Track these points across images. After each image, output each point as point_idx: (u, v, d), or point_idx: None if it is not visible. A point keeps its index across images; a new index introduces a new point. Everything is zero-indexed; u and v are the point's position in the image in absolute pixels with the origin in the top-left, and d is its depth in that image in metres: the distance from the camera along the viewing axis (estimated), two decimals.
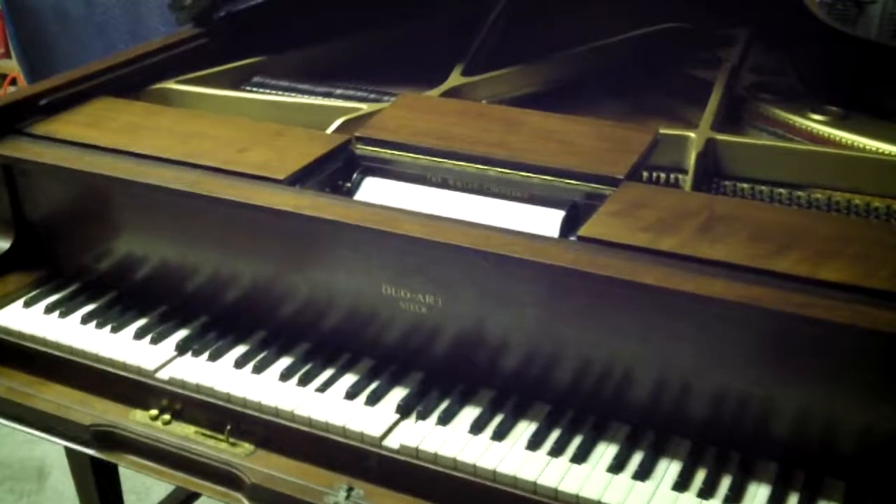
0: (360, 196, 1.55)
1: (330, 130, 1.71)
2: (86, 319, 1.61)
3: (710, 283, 1.20)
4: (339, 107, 1.79)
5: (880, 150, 1.66)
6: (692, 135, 1.62)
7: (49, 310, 1.64)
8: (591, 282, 1.25)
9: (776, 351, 1.20)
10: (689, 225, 1.31)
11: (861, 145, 1.69)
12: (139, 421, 1.49)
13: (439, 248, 1.33)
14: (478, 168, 1.51)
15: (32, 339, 1.59)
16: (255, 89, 1.99)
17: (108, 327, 1.59)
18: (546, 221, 1.42)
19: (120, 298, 1.66)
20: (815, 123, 1.78)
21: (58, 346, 1.57)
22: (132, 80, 1.90)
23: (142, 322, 1.60)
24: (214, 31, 2.06)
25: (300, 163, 1.52)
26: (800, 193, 1.55)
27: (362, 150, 1.59)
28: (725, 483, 1.24)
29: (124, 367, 1.52)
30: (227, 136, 1.63)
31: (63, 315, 1.63)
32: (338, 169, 1.57)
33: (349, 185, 1.56)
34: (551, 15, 2.21)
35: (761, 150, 1.62)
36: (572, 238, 1.34)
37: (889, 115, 1.83)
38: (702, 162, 1.56)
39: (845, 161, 1.59)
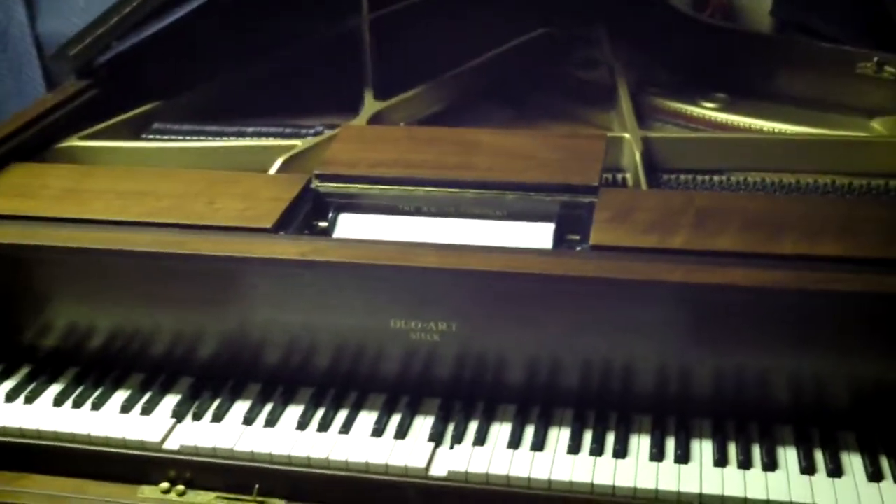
0: (338, 234, 1.55)
1: (272, 171, 1.69)
2: (59, 401, 1.52)
3: (730, 272, 1.31)
4: (273, 146, 1.77)
5: (778, 130, 1.84)
6: (627, 136, 1.73)
7: (10, 398, 1.54)
8: (618, 287, 1.33)
9: (794, 327, 1.32)
10: (683, 222, 1.41)
11: (758, 126, 1.87)
12: (151, 497, 1.44)
13: (460, 275, 1.37)
14: (450, 192, 1.55)
15: (4, 431, 1.49)
16: (158, 136, 1.93)
17: (88, 405, 1.52)
18: (538, 235, 1.48)
19: (85, 373, 1.58)
20: (709, 111, 1.95)
21: (38, 433, 1.48)
22: (35, 143, 1.79)
23: (123, 394, 1.53)
24: (100, 80, 1.97)
25: (278, 208, 1.51)
26: (734, 178, 1.69)
27: (326, 187, 1.59)
28: (756, 451, 1.36)
29: (124, 443, 1.45)
30: (182, 191, 1.59)
31: (29, 400, 1.54)
32: (309, 210, 1.56)
33: (324, 224, 1.56)
34: (425, 36, 2.28)
35: (689, 142, 1.75)
36: (580, 248, 1.42)
37: (765, 95, 2.02)
38: (645, 160, 1.67)
39: (762, 144, 1.75)
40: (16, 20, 3.14)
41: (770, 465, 1.33)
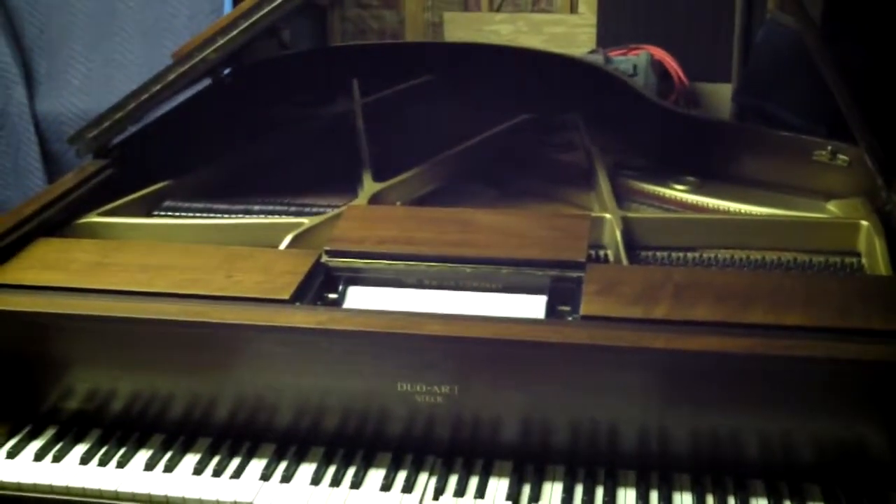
0: (348, 305, 1.69)
1: (282, 247, 1.83)
2: (85, 459, 1.63)
3: (707, 340, 1.46)
4: (282, 223, 1.91)
5: (744, 211, 2.01)
6: (608, 216, 1.89)
7: (38, 457, 1.64)
8: (606, 353, 1.48)
9: (764, 389, 1.47)
10: (663, 294, 1.57)
11: (725, 208, 2.05)
12: None
13: (462, 342, 1.51)
14: (450, 266, 1.70)
15: (34, 488, 1.59)
16: (169, 213, 2.07)
17: (113, 463, 1.63)
18: (531, 307, 1.63)
19: (109, 434, 1.69)
20: (680, 193, 2.12)
21: (67, 490, 1.59)
22: (58, 219, 1.92)
23: (146, 453, 1.64)
24: (115, 161, 2.11)
25: (294, 281, 1.65)
26: (706, 255, 1.85)
27: (335, 262, 1.73)
28: (732, 502, 1.50)
29: (149, 499, 1.57)
30: (202, 265, 1.72)
31: (56, 459, 1.64)
32: (321, 282, 1.70)
33: (334, 295, 1.70)
34: (416, 121, 2.46)
35: (665, 222, 1.92)
36: (571, 318, 1.57)
37: (731, 178, 2.21)
38: (626, 238, 1.83)
39: (731, 224, 1.92)
40: (14, 100, 3.29)
41: None
